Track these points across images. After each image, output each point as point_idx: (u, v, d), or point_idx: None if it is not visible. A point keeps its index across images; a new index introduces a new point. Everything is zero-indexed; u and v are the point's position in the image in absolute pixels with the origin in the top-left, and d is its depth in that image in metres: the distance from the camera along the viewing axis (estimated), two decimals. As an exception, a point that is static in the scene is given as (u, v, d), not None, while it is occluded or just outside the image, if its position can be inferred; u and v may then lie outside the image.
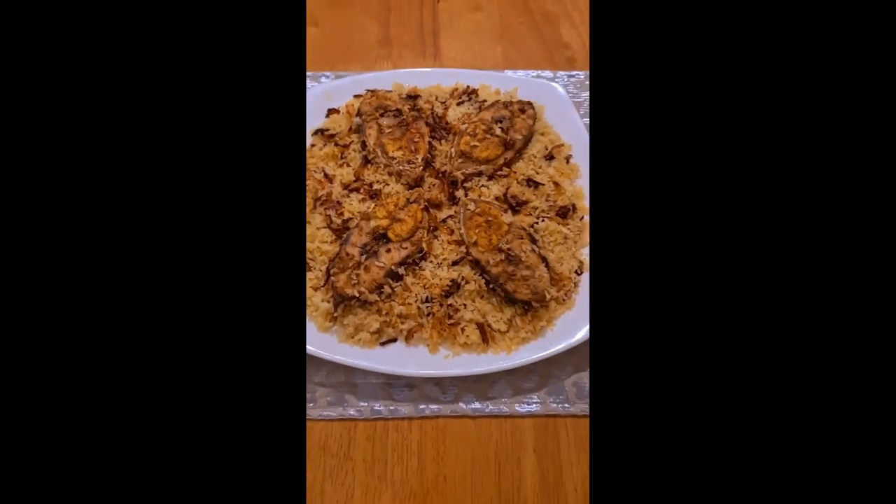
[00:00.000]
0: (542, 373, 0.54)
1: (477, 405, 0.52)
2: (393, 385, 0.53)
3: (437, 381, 0.53)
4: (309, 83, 0.69)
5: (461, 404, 0.52)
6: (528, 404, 0.52)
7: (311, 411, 0.52)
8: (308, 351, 0.51)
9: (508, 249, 0.51)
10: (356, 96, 0.63)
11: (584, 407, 0.52)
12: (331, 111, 0.63)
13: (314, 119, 0.63)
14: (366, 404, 0.52)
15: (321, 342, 0.51)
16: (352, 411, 0.52)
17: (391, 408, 0.52)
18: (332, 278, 0.50)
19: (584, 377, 0.53)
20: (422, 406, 0.52)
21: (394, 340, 0.52)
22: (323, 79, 0.69)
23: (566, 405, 0.52)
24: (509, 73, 0.69)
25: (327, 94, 0.63)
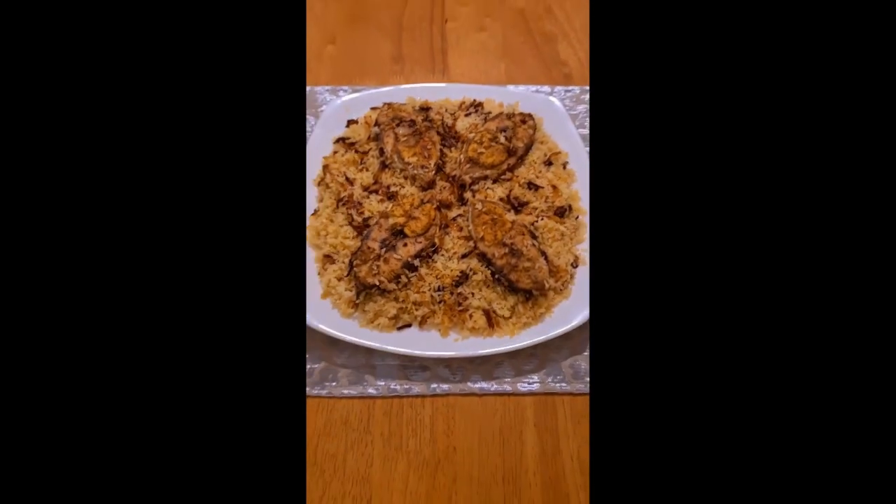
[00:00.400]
0: (541, 356, 0.59)
1: (483, 384, 0.58)
2: (408, 366, 0.59)
3: (448, 363, 0.59)
4: (329, 97, 0.76)
5: (469, 384, 0.58)
6: (529, 384, 0.58)
7: (334, 390, 0.58)
8: (331, 334, 0.56)
9: (512, 244, 0.57)
10: (373, 108, 0.69)
11: (579, 386, 0.58)
12: (350, 122, 0.69)
13: (335, 129, 0.69)
14: (383, 383, 0.58)
15: (344, 327, 0.57)
16: (371, 390, 0.58)
17: (406, 387, 0.58)
18: (355, 269, 0.56)
19: (579, 359, 0.59)
20: (433, 385, 0.58)
21: (409, 325, 0.58)
22: (341, 92, 0.76)
23: (563, 384, 0.58)
24: (511, 87, 0.76)
25: (346, 106, 0.70)
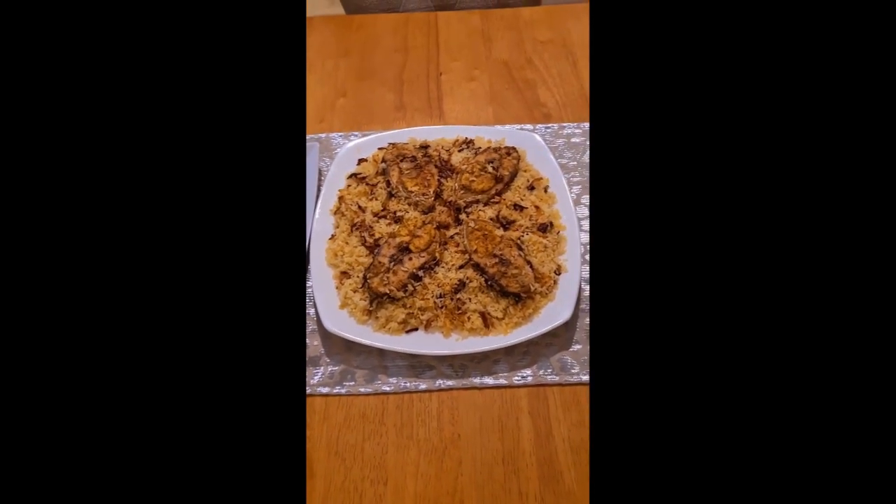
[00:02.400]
0: (532, 352, 0.67)
1: (482, 379, 0.66)
2: (416, 366, 0.67)
3: (451, 361, 0.67)
4: (342, 140, 0.88)
5: (471, 379, 0.66)
6: (523, 377, 0.66)
7: (352, 388, 0.66)
8: (350, 339, 0.65)
9: (501, 254, 0.66)
10: (380, 148, 0.81)
11: (566, 377, 0.66)
12: (361, 160, 0.80)
13: (348, 166, 0.80)
14: (395, 381, 0.66)
15: (359, 332, 0.66)
16: (384, 387, 0.66)
17: (415, 384, 0.66)
18: (368, 281, 0.66)
19: (566, 354, 0.67)
20: (439, 381, 0.66)
21: (416, 329, 0.66)
22: (352, 137, 0.88)
23: (553, 376, 0.66)
24: (498, 126, 0.87)
25: (357, 147, 0.82)
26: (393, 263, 0.66)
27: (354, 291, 0.67)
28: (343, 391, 0.66)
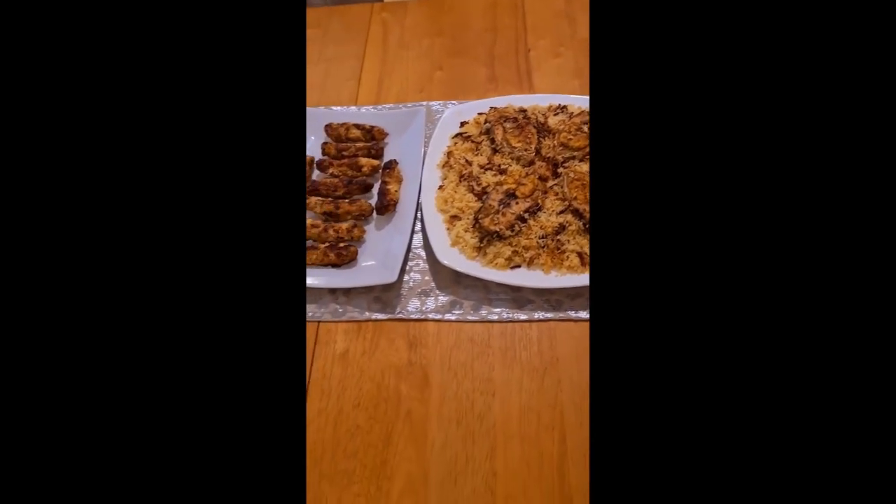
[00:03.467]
0: (623, 292, 0.75)
1: (577, 313, 0.74)
2: (517, 299, 0.76)
3: (548, 296, 0.75)
4: (440, 108, 0.97)
5: (567, 312, 0.74)
6: (614, 312, 0.74)
7: (461, 316, 0.75)
8: (461, 271, 0.74)
9: (598, 202, 0.74)
10: (480, 113, 0.90)
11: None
12: (463, 122, 0.90)
13: (450, 128, 0.90)
14: (499, 311, 0.75)
15: (469, 266, 0.75)
16: (490, 316, 0.75)
17: (516, 314, 0.75)
18: (480, 221, 0.75)
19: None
20: (538, 314, 0.74)
21: (519, 266, 0.75)
22: (450, 105, 0.97)
23: (642, 313, 0.73)
24: (585, 97, 0.95)
25: (458, 112, 0.91)
26: (501, 206, 0.75)
27: (465, 231, 0.76)
28: (453, 318, 0.75)
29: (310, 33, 1.16)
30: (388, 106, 1.00)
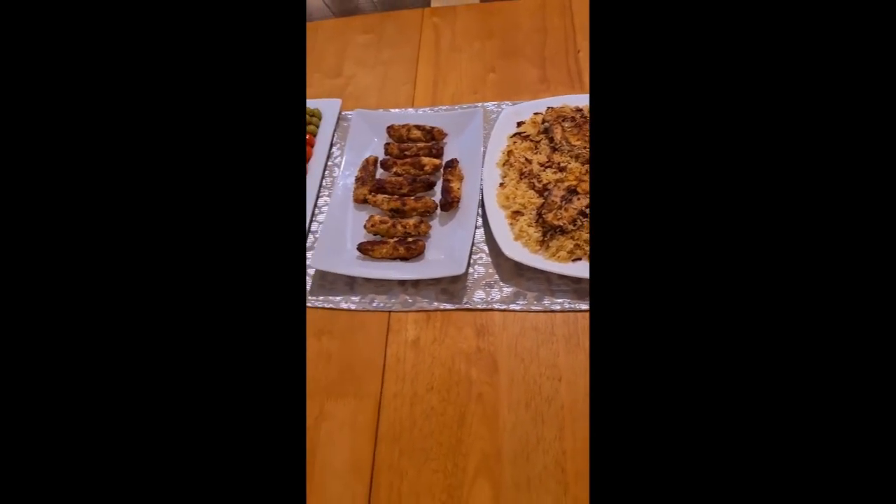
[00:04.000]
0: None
1: (637, 303, 0.78)
2: (578, 290, 0.79)
3: (609, 287, 0.79)
4: (495, 108, 1.01)
5: (626, 302, 0.78)
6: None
7: (525, 306, 0.79)
8: (527, 264, 0.78)
9: (657, 197, 0.78)
10: (535, 113, 0.94)
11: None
12: (519, 122, 0.94)
13: (508, 128, 0.94)
14: (561, 301, 0.79)
15: (533, 259, 0.79)
16: (553, 306, 0.79)
17: (579, 305, 0.79)
18: (543, 216, 0.79)
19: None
20: (598, 304, 0.78)
21: (580, 259, 0.79)
22: (504, 105, 1.01)
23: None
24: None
25: (515, 112, 0.95)
26: (564, 202, 0.79)
27: (529, 226, 0.81)
28: (517, 308, 0.79)
29: (365, 38, 1.21)
30: (444, 108, 1.04)
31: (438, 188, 0.92)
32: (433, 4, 1.31)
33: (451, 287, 0.83)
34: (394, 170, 0.93)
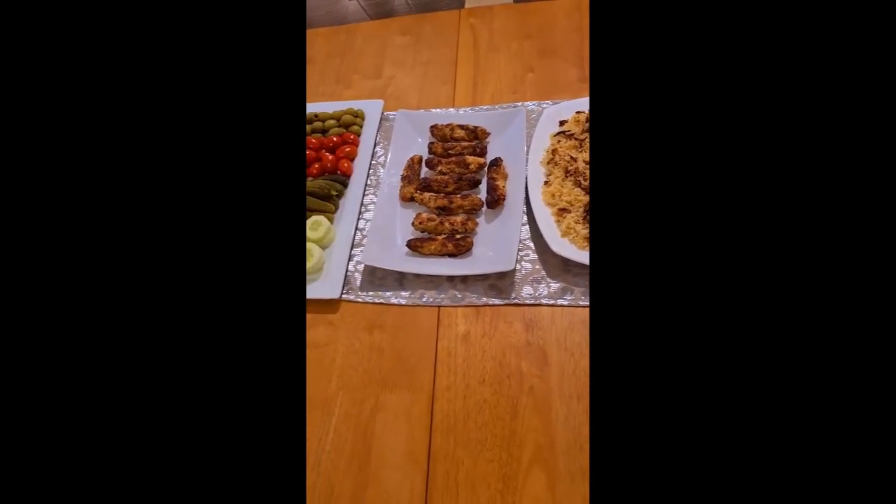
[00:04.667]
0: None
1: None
2: (625, 286, 0.81)
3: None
4: (535, 108, 1.03)
5: (674, 297, 0.79)
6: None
7: (573, 301, 0.81)
8: (575, 259, 0.80)
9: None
10: (578, 112, 0.95)
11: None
12: (562, 121, 0.95)
13: (551, 127, 0.96)
14: (609, 296, 0.81)
15: (581, 256, 0.81)
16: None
17: (625, 300, 0.80)
18: (590, 213, 0.81)
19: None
20: (646, 299, 0.80)
21: (627, 255, 0.80)
22: (544, 105, 1.03)
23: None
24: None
25: (557, 111, 0.97)
26: (612, 199, 0.81)
27: (576, 223, 0.82)
28: (565, 303, 0.81)
29: (402, 40, 1.24)
30: (484, 107, 1.06)
31: (483, 186, 0.94)
32: (467, 5, 1.33)
33: (500, 283, 0.85)
34: (439, 168, 0.95)
